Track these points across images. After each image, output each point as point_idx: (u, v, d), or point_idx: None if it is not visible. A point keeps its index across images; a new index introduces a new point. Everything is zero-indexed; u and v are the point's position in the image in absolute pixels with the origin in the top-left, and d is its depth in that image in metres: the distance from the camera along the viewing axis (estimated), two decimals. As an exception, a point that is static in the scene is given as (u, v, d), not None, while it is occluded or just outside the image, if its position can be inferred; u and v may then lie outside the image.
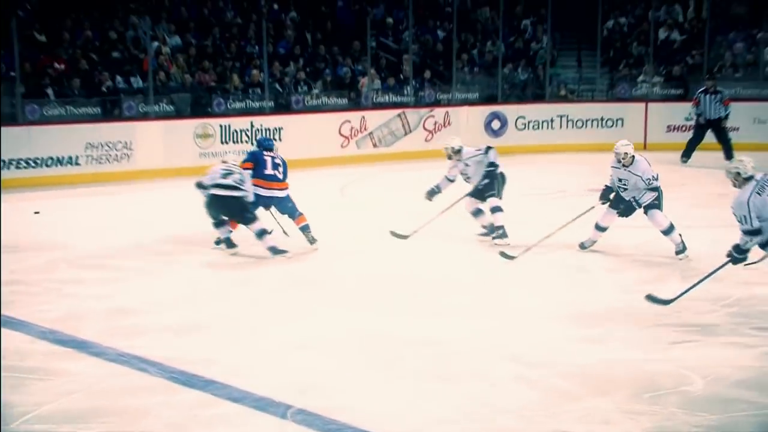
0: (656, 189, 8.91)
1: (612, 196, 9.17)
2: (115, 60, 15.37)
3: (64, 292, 7.84)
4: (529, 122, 17.51)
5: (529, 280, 8.30)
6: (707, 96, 15.69)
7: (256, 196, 9.26)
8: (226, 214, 9.23)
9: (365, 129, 16.38)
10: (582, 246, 9.32)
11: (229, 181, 9.09)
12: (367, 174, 14.91)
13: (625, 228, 9.54)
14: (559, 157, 16.28)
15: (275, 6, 18.00)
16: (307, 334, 6.70)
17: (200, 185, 9.26)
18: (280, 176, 9.44)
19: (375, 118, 16.52)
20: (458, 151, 9.79)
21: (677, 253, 8.97)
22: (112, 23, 15.81)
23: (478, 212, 9.86)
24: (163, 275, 8.52)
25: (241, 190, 9.11)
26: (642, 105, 17.70)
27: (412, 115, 16.87)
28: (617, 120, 17.65)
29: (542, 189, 12.46)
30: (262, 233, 9.15)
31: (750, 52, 18.33)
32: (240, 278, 8.40)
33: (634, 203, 9.01)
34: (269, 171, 9.38)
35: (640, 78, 18.21)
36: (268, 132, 14.91)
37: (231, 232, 9.39)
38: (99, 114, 14.45)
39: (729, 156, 15.79)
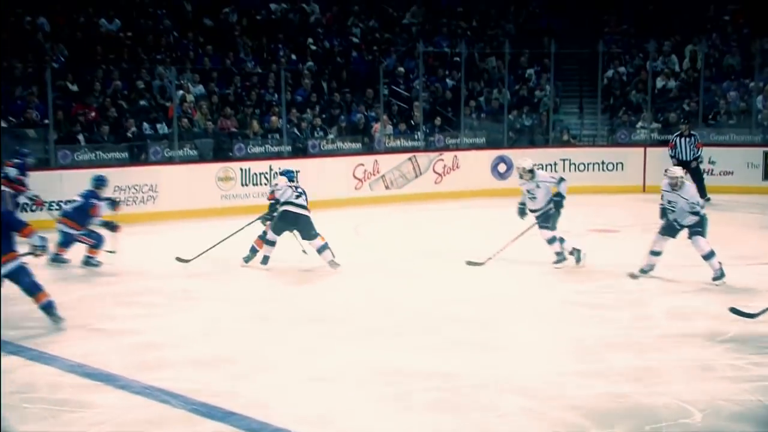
0: (698, 214, 9.31)
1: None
2: (142, 108, 15.53)
3: (93, 328, 7.86)
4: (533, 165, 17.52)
5: (536, 315, 8.28)
6: (682, 139, 16.07)
7: None
8: (295, 228, 10.21)
9: (378, 172, 16.45)
10: (642, 271, 9.60)
11: (302, 201, 10.19)
12: (379, 214, 14.94)
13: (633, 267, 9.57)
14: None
15: (293, 56, 18.17)
16: (323, 367, 6.70)
17: (274, 205, 10.29)
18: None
19: (387, 162, 16.59)
20: (530, 171, 10.31)
21: (714, 279, 9.25)
22: (140, 73, 15.99)
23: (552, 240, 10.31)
24: (187, 311, 8.53)
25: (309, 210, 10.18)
26: (641, 150, 17.70)
27: (423, 158, 16.94)
28: (617, 164, 17.66)
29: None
30: (323, 248, 10.12)
31: (743, 100, 18.38)
32: (259, 314, 8.40)
33: (676, 225, 9.41)
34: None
35: (639, 124, 18.25)
36: (286, 175, 14.96)
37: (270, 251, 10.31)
38: (126, 159, 14.57)
39: (702, 194, 15.93)
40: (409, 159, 16.82)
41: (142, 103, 15.59)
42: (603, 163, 17.67)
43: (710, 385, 6.24)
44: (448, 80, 19.05)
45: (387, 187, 16.54)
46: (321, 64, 18.24)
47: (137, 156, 14.77)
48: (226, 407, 5.82)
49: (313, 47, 18.69)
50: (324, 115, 17.00)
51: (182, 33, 17.55)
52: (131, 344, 7.32)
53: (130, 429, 5.53)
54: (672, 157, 16.13)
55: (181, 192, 14.50)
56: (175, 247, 11.97)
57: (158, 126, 15.30)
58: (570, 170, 17.66)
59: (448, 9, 21.58)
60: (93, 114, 14.84)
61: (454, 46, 19.82)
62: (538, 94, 19.26)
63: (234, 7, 18.65)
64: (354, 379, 6.45)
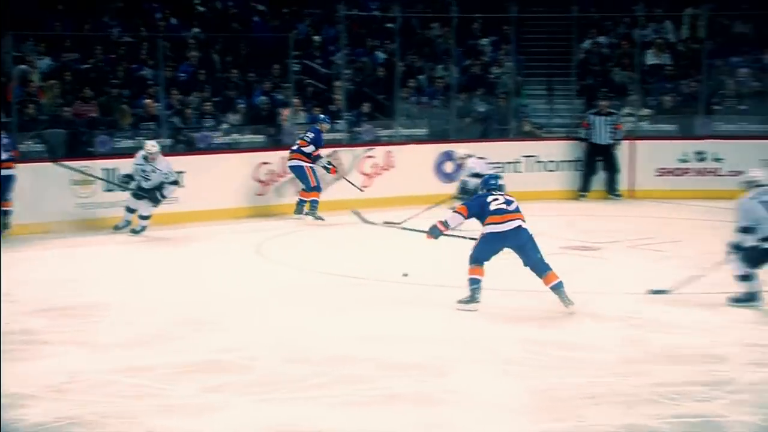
0: (176, 183, 13.60)
1: None
2: (-33, 89, 15.26)
3: None
4: (489, 164, 17.61)
5: (493, 359, 8.25)
6: (599, 118, 17.16)
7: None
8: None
9: (287, 173, 16.33)
10: None
11: None
12: (288, 229, 14.88)
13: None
14: (528, 206, 16.39)
15: (174, 21, 18.02)
16: (211, 429, 6.58)
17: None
18: None
19: (299, 160, 16.52)
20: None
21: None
22: (-37, 42, 15.73)
23: None
24: (27, 360, 8.31)
25: None
26: (626, 143, 17.85)
27: (346, 155, 16.93)
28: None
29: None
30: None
31: (757, 79, 18.67)
32: (129, 361, 8.22)
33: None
34: None
35: (624, 111, 18.43)
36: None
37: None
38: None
39: (612, 190, 17.24)
40: (329, 156, 16.76)
41: (-32, 82, 15.33)
42: (579, 161, 17.79)
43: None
44: (379, 53, 19.10)
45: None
46: (212, 30, 18.13)
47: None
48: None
49: (201, 8, 18.62)
50: (216, 99, 16.90)
51: (24, -13, 17.34)
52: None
53: None
54: (585, 139, 17.29)
55: (24, 200, 14.15)
56: (10, 276, 11.74)
57: (-9, 113, 15.07)
58: (536, 170, 17.81)
59: (379, -40, 21.70)
60: None
61: (387, 9, 19.90)
62: (495, 72, 19.39)
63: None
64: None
